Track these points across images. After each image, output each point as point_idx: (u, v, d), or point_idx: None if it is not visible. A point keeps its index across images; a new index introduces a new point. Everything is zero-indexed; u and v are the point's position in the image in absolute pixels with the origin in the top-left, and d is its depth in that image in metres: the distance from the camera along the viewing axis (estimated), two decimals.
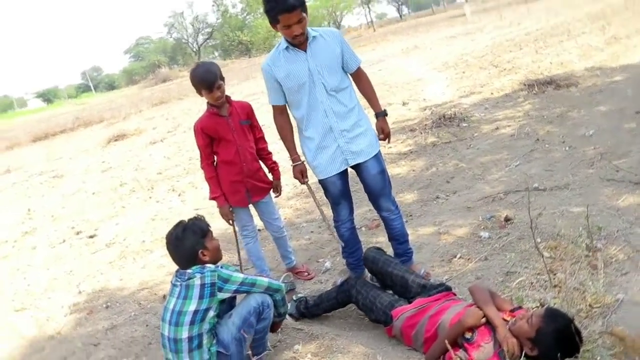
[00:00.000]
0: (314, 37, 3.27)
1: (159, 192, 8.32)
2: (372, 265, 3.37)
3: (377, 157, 3.52)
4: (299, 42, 3.22)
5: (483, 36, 18.94)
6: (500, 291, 3.22)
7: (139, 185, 9.08)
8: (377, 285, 3.33)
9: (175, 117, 17.80)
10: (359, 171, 3.53)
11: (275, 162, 3.96)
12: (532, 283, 3.20)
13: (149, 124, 17.64)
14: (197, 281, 2.76)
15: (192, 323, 2.74)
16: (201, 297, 2.75)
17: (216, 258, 2.98)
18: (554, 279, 3.13)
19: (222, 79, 3.59)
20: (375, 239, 4.58)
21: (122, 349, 3.84)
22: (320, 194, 3.81)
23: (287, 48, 3.28)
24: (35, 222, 8.27)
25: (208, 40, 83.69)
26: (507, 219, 4.14)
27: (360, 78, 3.58)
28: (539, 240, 3.67)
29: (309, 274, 4.23)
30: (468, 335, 2.59)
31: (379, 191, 3.55)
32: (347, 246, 3.75)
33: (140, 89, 53.55)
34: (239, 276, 2.86)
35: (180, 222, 2.99)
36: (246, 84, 24.79)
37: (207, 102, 3.66)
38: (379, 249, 3.49)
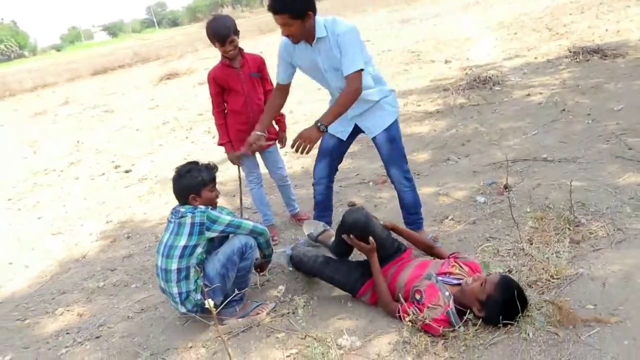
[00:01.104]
0: (319, 38, 3.15)
1: (195, 133, 8.67)
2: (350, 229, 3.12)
3: (387, 129, 3.47)
4: (293, 42, 3.20)
5: None
6: (477, 254, 3.37)
7: (179, 124, 9.46)
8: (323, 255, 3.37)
9: None
10: (372, 140, 3.56)
11: (282, 114, 4.09)
12: (508, 250, 3.32)
13: (202, 64, 17.96)
14: (188, 220, 3.02)
15: (181, 256, 3.02)
16: (191, 234, 3.02)
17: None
18: (530, 248, 3.24)
19: (237, 33, 3.73)
20: (380, 194, 4.74)
21: (134, 275, 4.22)
22: None
23: None
24: (81, 154, 8.81)
25: None
26: (505, 187, 4.22)
27: (346, 83, 3.17)
28: (528, 209, 3.77)
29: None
30: (417, 296, 2.77)
31: (388, 161, 3.54)
32: (317, 208, 3.82)
33: (200, 28, 53.72)
34: (226, 218, 3.10)
35: (192, 162, 3.23)
36: None
37: (221, 54, 3.83)
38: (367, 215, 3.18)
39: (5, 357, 3.28)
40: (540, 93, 6.69)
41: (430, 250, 3.26)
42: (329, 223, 3.80)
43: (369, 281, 3.09)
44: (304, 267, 3.35)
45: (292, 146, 3.19)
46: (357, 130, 3.56)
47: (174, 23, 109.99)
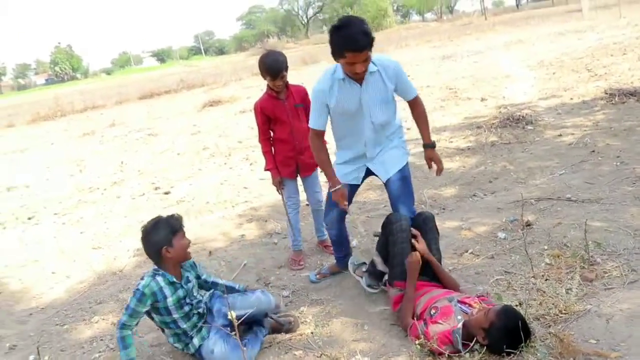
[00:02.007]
0: (371, 72, 3.27)
1: (234, 160, 8.99)
2: (422, 223, 3.49)
3: (401, 169, 3.59)
4: (358, 79, 3.27)
5: (592, 36, 18.07)
6: (491, 287, 3.49)
7: (219, 151, 9.82)
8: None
9: None
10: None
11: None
12: (521, 284, 3.43)
13: (244, 93, 18.53)
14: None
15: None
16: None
17: (180, 257, 3.16)
18: (543, 283, 3.35)
19: (287, 69, 4.03)
20: None
21: None
22: None
23: (343, 79, 3.29)
24: (124, 175, 9.24)
25: (317, 14, 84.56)
26: (527, 224, 4.32)
27: (415, 107, 3.57)
28: (545, 247, 3.87)
29: None
30: (432, 312, 2.93)
31: (397, 198, 3.60)
32: (334, 245, 4.03)
33: (246, 57, 55.40)
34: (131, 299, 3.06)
35: (156, 218, 3.19)
36: None
37: (267, 85, 4.10)
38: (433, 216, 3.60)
39: (44, 358, 3.54)
40: (572, 134, 6.76)
41: (455, 289, 3.35)
42: (349, 250, 4.05)
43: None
44: (394, 228, 3.35)
45: (438, 174, 3.70)
46: (367, 174, 3.68)
47: (221, 51, 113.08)
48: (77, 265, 5.38)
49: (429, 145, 3.63)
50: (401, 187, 3.59)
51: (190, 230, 5.79)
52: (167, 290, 3.07)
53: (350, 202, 3.72)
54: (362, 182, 3.72)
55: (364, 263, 3.77)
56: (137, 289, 3.03)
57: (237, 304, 3.21)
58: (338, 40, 3.07)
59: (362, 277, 3.67)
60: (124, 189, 8.26)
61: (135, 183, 8.49)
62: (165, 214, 3.26)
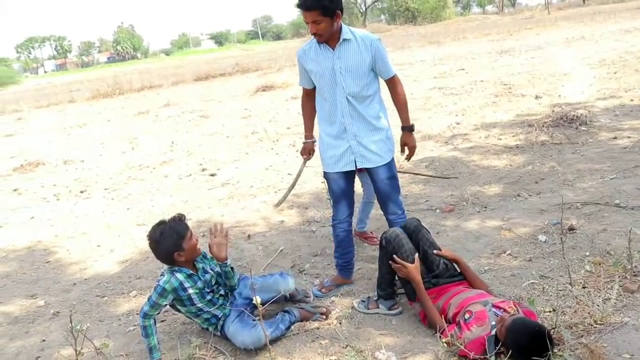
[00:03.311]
0: (346, 39, 3.35)
1: (280, 145, 9.07)
2: (412, 233, 3.38)
3: (389, 164, 3.60)
4: (319, 41, 3.35)
5: None
6: (526, 291, 3.41)
7: (267, 136, 9.91)
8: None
9: None
10: (370, 173, 3.66)
11: None
12: (558, 290, 3.34)
13: (297, 79, 18.45)
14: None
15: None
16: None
17: (192, 256, 3.22)
18: (580, 291, 3.25)
19: None
20: (444, 221, 4.84)
21: None
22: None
23: (319, 44, 3.40)
24: (174, 154, 9.46)
25: (376, 3, 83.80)
26: (570, 228, 4.20)
27: (392, 88, 3.57)
28: (587, 253, 3.76)
29: (376, 240, 4.61)
30: (467, 316, 2.87)
31: (386, 196, 3.66)
32: (340, 247, 3.87)
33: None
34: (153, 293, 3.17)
35: (160, 224, 3.18)
36: (400, 52, 24.95)
37: None
38: (419, 221, 3.50)
39: (83, 326, 3.69)
40: (628, 137, 6.50)
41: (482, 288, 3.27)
42: (353, 257, 3.92)
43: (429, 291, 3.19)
44: (397, 242, 3.27)
45: (408, 159, 3.76)
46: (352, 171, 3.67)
47: (278, 37, 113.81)
48: (121, 240, 5.56)
49: (406, 128, 3.65)
50: (390, 186, 3.64)
51: (232, 213, 5.94)
52: (187, 283, 3.17)
53: (348, 196, 3.77)
54: (356, 167, 3.61)
55: (369, 297, 3.59)
56: (159, 285, 3.14)
57: (256, 287, 3.23)
58: None
59: (378, 307, 3.49)
60: (172, 168, 8.46)
61: (183, 163, 8.68)
62: (171, 213, 3.30)
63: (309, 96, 3.74)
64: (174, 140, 10.72)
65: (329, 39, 3.35)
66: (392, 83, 3.54)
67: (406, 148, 3.71)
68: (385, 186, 3.62)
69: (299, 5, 3.22)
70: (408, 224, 3.44)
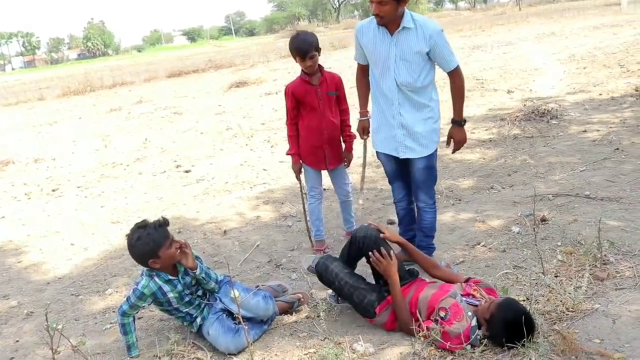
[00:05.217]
0: (405, 27, 3.29)
1: (255, 141, 9.04)
2: (361, 242, 3.27)
3: (429, 155, 3.59)
4: (379, 22, 3.30)
5: (629, 31, 17.62)
6: (500, 280, 3.47)
7: (241, 132, 9.87)
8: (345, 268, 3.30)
9: (297, 72, 18.42)
10: (407, 161, 3.64)
11: (351, 135, 4.22)
12: (531, 280, 3.41)
13: (271, 75, 18.53)
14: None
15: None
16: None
17: (169, 264, 3.12)
18: (552, 280, 3.32)
19: (318, 50, 3.91)
20: None
21: None
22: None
23: (379, 27, 3.37)
24: (147, 152, 9.36)
25: None
26: (543, 219, 4.28)
27: (451, 80, 3.54)
28: (559, 243, 3.84)
29: None
30: (442, 313, 2.89)
31: (420, 184, 3.67)
32: (401, 224, 3.99)
33: (276, 39, 55.34)
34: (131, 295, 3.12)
35: (140, 227, 3.07)
36: None
37: (302, 69, 4.04)
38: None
39: (58, 326, 3.64)
40: (597, 130, 6.64)
41: (435, 270, 3.28)
42: (414, 237, 3.91)
43: (384, 302, 3.13)
44: (329, 274, 3.23)
45: (453, 152, 3.78)
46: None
47: (251, 33, 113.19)
48: (95, 239, 5.49)
49: (456, 122, 3.61)
50: (427, 175, 3.65)
51: (207, 209, 5.91)
52: (166, 288, 3.12)
53: (402, 178, 3.80)
54: (401, 156, 3.61)
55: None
56: (137, 289, 3.09)
57: (239, 301, 3.14)
58: None
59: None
60: (146, 165, 8.37)
61: (157, 160, 8.60)
62: (159, 216, 3.20)
63: (364, 71, 3.72)
64: (147, 137, 10.60)
65: (390, 22, 3.29)
66: (452, 75, 3.50)
67: (452, 141, 3.69)
68: (420, 175, 3.63)
69: None
70: (368, 234, 3.25)
